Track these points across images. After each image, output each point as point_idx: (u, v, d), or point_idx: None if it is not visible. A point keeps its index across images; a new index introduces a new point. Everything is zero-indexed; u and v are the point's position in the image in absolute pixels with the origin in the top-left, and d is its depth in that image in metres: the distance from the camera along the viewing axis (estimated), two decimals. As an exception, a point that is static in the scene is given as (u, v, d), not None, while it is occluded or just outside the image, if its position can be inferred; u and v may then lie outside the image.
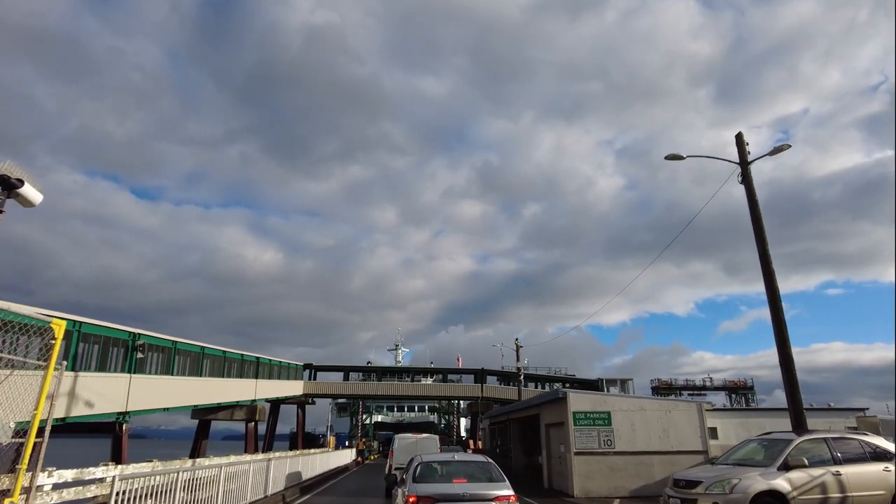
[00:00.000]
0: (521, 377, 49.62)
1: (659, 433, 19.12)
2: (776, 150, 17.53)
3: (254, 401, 39.29)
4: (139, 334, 22.65)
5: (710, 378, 79.28)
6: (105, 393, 20.25)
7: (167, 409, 25.60)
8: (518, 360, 49.18)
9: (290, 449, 41.82)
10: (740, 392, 74.32)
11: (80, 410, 18.76)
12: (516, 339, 49.96)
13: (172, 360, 26.40)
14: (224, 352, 33.57)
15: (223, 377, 33.25)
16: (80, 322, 19.39)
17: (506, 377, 61.82)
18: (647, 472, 18.52)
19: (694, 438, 19.16)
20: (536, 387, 64.54)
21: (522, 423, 28.04)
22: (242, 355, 36.94)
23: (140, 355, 22.04)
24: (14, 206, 7.19)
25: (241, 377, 36.63)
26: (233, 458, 17.02)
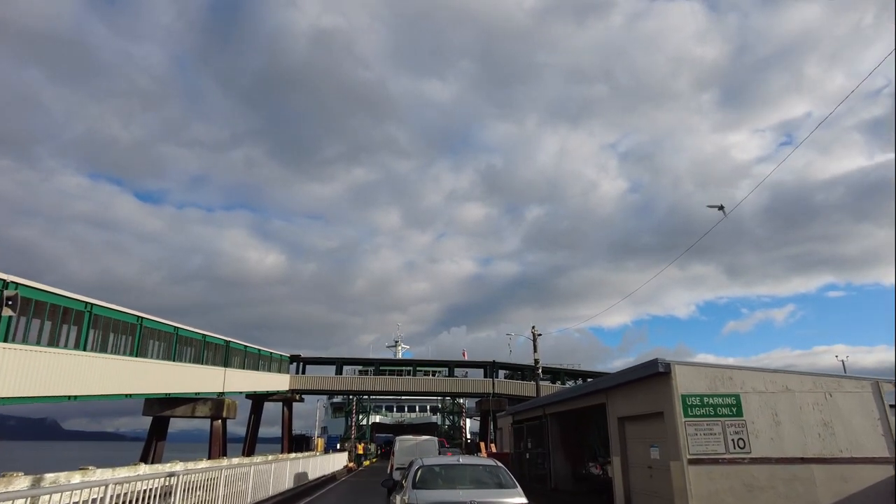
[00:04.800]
0: (539, 370, 42.73)
1: (818, 428, 11.86)
2: None
3: (221, 394, 32.02)
4: (10, 282, 15.24)
5: (740, 375, 72.69)
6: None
7: (73, 397, 18.26)
8: (535, 350, 42.45)
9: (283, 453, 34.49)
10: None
11: None
12: (533, 328, 43.08)
13: (85, 330, 19.11)
14: (176, 328, 26.30)
15: (174, 361, 26.01)
16: None
17: (519, 371, 55.46)
18: (806, 493, 11.27)
19: (873, 438, 11.87)
20: (554, 382, 58.22)
21: (567, 419, 20.85)
22: (205, 336, 29.72)
23: (9, 313, 14.71)
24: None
25: (202, 363, 29.42)
26: (123, 474, 9.80)
